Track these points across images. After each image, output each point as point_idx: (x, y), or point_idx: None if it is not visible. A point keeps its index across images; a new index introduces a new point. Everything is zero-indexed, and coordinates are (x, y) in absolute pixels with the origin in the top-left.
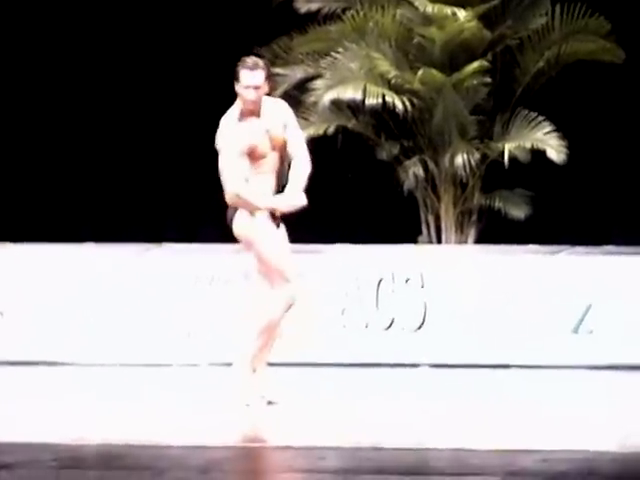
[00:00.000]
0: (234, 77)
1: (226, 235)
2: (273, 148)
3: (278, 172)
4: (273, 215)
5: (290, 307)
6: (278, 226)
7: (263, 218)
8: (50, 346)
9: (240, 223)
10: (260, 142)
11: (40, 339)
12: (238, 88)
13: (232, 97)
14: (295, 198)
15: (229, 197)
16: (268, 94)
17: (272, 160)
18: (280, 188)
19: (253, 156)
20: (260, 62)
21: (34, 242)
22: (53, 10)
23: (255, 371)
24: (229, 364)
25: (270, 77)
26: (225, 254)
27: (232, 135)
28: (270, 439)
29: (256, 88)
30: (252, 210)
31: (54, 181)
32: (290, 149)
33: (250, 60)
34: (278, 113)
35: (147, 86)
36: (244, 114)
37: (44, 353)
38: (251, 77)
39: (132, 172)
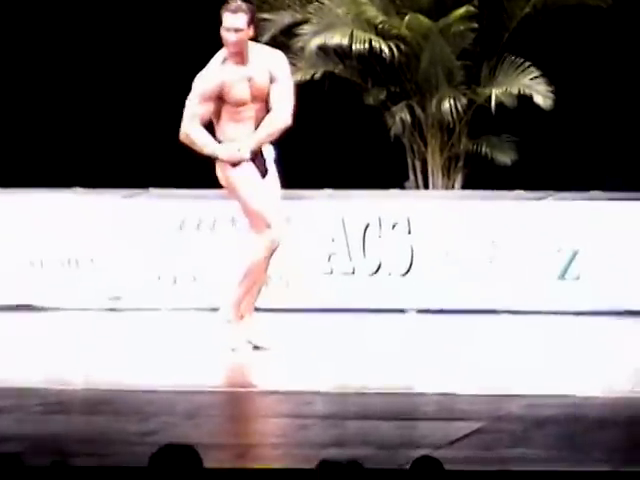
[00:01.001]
0: (219, 21)
1: (213, 180)
2: (254, 97)
3: (261, 122)
4: (254, 160)
5: (273, 252)
6: (264, 172)
7: (244, 163)
8: (36, 291)
9: (221, 168)
10: (236, 88)
11: (26, 284)
12: (221, 31)
13: (218, 44)
14: (238, 151)
15: (181, 135)
16: (253, 39)
17: (253, 109)
18: None
19: (228, 101)
20: (243, 5)
21: (18, 187)
22: None
23: (243, 317)
24: (216, 309)
25: (254, 22)
26: (212, 199)
27: (204, 75)
28: (256, 384)
29: (237, 31)
30: (198, 152)
31: (40, 125)
32: (270, 101)
33: (233, 3)
34: (267, 63)
35: (132, 31)
36: (228, 58)
37: (30, 298)
38: (233, 19)
39: (119, 116)
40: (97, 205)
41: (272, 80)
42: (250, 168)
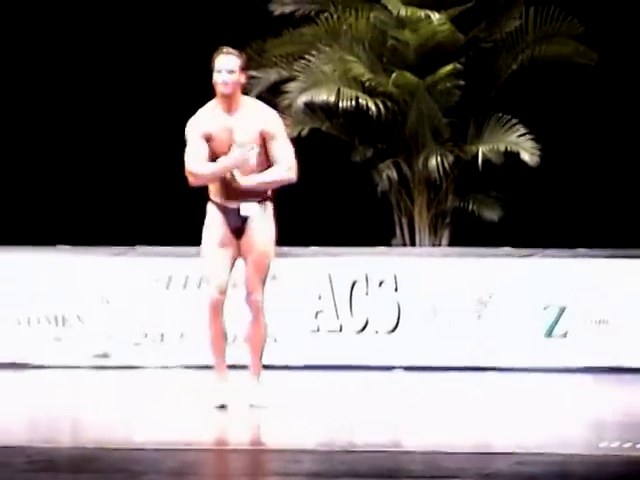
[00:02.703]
0: (211, 67)
1: (200, 238)
2: (230, 149)
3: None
4: (230, 218)
5: (215, 310)
6: (238, 231)
7: (213, 210)
8: (24, 348)
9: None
10: (217, 136)
11: (14, 341)
12: (214, 75)
13: (205, 99)
14: (250, 150)
15: (189, 180)
16: (244, 92)
17: None
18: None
19: (211, 150)
20: (235, 51)
21: (5, 245)
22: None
23: (224, 375)
24: (202, 367)
25: (246, 70)
26: (199, 257)
27: (194, 121)
28: (244, 442)
29: (229, 72)
30: (210, 181)
31: (28, 185)
32: (275, 158)
33: (225, 48)
34: (258, 120)
35: (120, 90)
36: (217, 105)
37: (18, 355)
38: (225, 60)
39: (106, 175)
40: (85, 263)
41: (270, 138)
42: (220, 227)
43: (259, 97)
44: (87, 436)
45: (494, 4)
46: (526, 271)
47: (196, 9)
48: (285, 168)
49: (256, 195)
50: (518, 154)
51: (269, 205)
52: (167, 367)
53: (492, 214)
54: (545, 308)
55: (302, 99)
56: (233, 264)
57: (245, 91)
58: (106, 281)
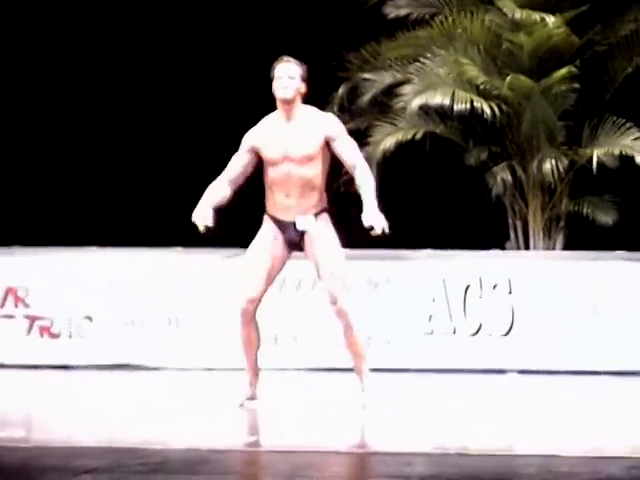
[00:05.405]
0: (271, 76)
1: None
2: (284, 159)
3: (288, 187)
4: (286, 231)
5: (245, 318)
6: (293, 244)
7: (267, 224)
8: (137, 350)
9: None
10: (270, 146)
11: (128, 343)
12: (273, 83)
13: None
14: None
15: None
16: (303, 99)
17: (283, 172)
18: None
19: (263, 159)
20: (295, 60)
21: (121, 247)
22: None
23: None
24: (316, 369)
25: (306, 80)
26: (310, 260)
27: (250, 131)
28: (356, 444)
29: (289, 78)
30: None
31: (141, 186)
32: (347, 160)
33: (285, 57)
34: (319, 127)
35: (223, 96)
36: (278, 115)
37: (132, 357)
38: (285, 67)
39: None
40: (198, 264)
41: (332, 140)
42: (269, 242)
43: (373, 99)
44: (200, 438)
45: (609, 7)
46: None
47: (312, 11)
48: (364, 170)
49: (313, 207)
50: (633, 157)
51: (326, 215)
52: (281, 369)
53: (607, 218)
54: None
55: (416, 102)
56: (273, 278)
57: (358, 94)
58: (219, 283)
